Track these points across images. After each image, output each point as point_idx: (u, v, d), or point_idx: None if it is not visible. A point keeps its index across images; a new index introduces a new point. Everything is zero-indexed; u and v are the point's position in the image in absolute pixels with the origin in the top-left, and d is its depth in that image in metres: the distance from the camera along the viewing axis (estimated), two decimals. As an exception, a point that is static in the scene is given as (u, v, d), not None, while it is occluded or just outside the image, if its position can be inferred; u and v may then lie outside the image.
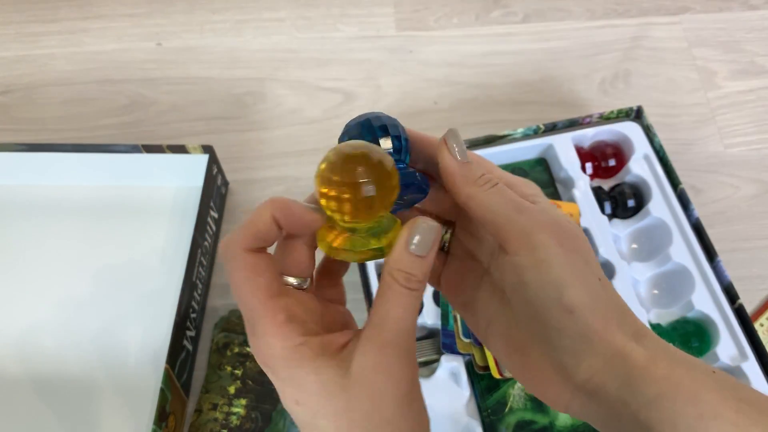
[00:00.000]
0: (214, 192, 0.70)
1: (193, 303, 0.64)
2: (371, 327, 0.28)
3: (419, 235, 0.28)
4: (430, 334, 0.64)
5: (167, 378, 0.57)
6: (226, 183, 0.75)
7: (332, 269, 0.35)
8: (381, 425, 0.27)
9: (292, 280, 0.31)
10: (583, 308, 0.27)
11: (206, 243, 0.67)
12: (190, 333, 0.63)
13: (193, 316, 0.64)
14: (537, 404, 0.60)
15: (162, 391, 0.56)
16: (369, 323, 0.28)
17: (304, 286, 0.31)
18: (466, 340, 0.59)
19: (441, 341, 0.61)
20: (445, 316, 0.61)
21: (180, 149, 0.68)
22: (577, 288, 0.27)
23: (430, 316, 0.63)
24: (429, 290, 0.64)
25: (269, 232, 0.29)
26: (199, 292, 0.66)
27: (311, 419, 0.28)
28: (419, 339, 0.63)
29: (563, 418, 0.59)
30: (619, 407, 0.27)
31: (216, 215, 0.70)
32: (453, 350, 0.60)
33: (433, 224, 0.28)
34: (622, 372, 0.27)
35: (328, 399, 0.28)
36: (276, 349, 0.28)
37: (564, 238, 0.28)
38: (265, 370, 0.29)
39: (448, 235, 0.34)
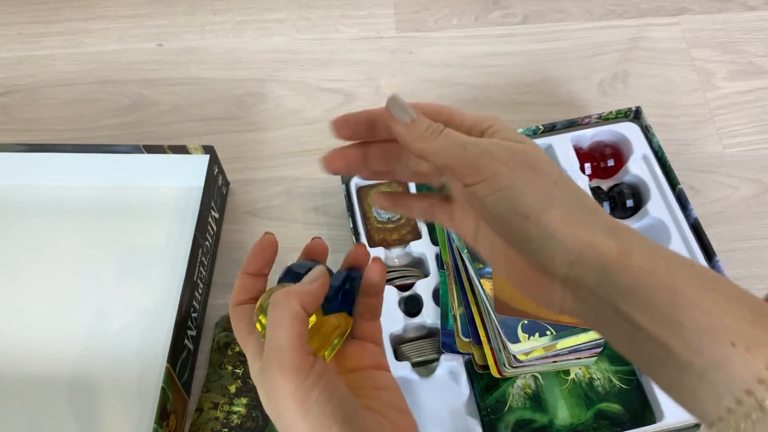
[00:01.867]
0: (215, 192, 0.70)
1: (194, 302, 0.64)
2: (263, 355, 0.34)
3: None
4: (429, 333, 0.64)
5: (168, 377, 0.57)
6: (226, 183, 0.75)
7: (370, 307, 0.40)
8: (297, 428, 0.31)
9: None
10: (538, 211, 0.30)
11: (207, 243, 0.67)
12: (191, 332, 0.64)
13: (194, 315, 0.64)
14: (536, 403, 0.60)
15: (163, 390, 0.57)
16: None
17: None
18: (466, 340, 0.59)
19: (441, 341, 0.61)
20: (445, 316, 0.62)
21: (181, 150, 0.69)
22: (529, 195, 0.30)
23: (429, 316, 0.63)
24: (429, 289, 0.64)
25: (245, 284, 0.40)
26: (200, 291, 0.66)
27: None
28: (420, 338, 0.64)
29: (562, 417, 0.59)
30: (601, 299, 0.29)
31: (217, 215, 0.71)
32: (453, 350, 0.60)
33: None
34: (596, 263, 0.29)
35: (275, 415, 0.33)
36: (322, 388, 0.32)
37: (510, 158, 0.31)
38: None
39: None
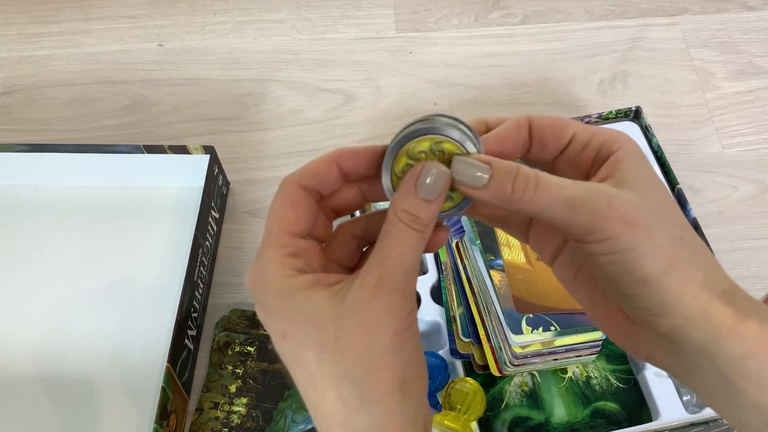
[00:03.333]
0: (215, 192, 0.70)
1: (195, 302, 0.64)
2: (371, 263, 0.28)
3: (429, 179, 0.28)
4: (429, 331, 0.64)
5: (168, 377, 0.57)
6: (227, 183, 0.75)
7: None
8: (371, 357, 0.26)
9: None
10: (656, 277, 0.27)
11: (207, 243, 0.68)
12: (192, 332, 0.64)
13: (195, 315, 0.65)
14: (533, 401, 0.60)
15: (163, 389, 0.57)
16: (369, 260, 0.28)
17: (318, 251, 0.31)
18: (466, 340, 0.59)
19: (449, 348, 0.61)
20: (449, 322, 0.62)
21: (181, 150, 0.69)
22: (650, 259, 0.27)
23: (428, 313, 0.63)
24: (427, 286, 0.64)
25: (328, 173, 0.29)
26: (201, 291, 0.66)
27: (296, 353, 0.28)
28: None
29: (559, 415, 0.59)
30: (703, 361, 0.27)
31: (217, 215, 0.71)
32: (461, 355, 0.60)
33: (444, 170, 0.28)
34: (707, 329, 0.27)
35: (316, 329, 0.27)
36: (270, 276, 0.28)
37: (629, 213, 0.27)
38: (255, 303, 0.29)
39: None
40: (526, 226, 0.33)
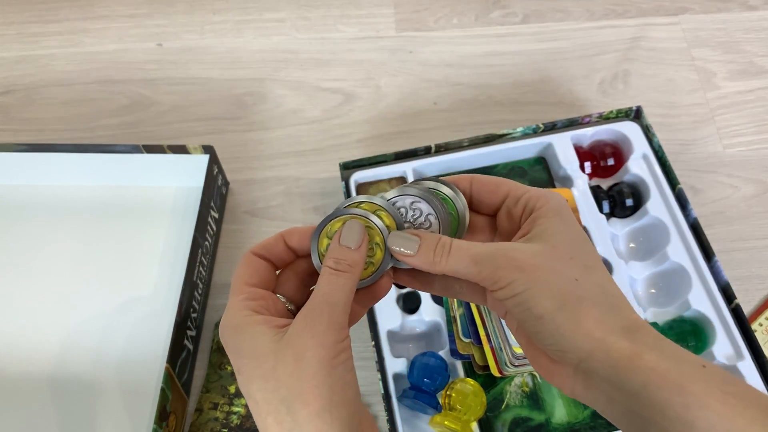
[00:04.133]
0: (215, 192, 0.70)
1: (194, 303, 0.64)
2: (305, 305, 0.33)
3: (348, 231, 0.35)
4: (428, 332, 0.64)
5: (168, 377, 0.57)
6: (226, 183, 0.75)
7: (361, 303, 0.38)
8: (300, 382, 0.30)
9: (281, 298, 0.36)
10: (551, 312, 0.31)
11: (207, 243, 0.67)
12: (191, 332, 0.64)
13: (194, 315, 0.64)
14: (533, 401, 0.60)
15: (163, 390, 0.57)
16: (306, 303, 0.33)
17: (290, 307, 0.36)
18: (466, 340, 0.59)
19: (449, 348, 0.61)
20: (449, 322, 0.62)
21: (180, 149, 0.69)
22: (543, 298, 0.31)
23: (428, 313, 0.63)
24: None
25: (275, 246, 0.36)
26: (200, 291, 0.66)
27: (246, 386, 0.32)
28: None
29: (559, 415, 0.59)
30: (613, 392, 0.30)
31: (216, 215, 0.71)
32: (461, 356, 0.60)
33: (359, 223, 0.35)
34: (607, 363, 0.30)
35: (259, 362, 0.31)
36: (229, 317, 0.33)
37: (526, 261, 0.32)
38: (224, 346, 0.33)
39: None
40: (482, 293, 0.37)
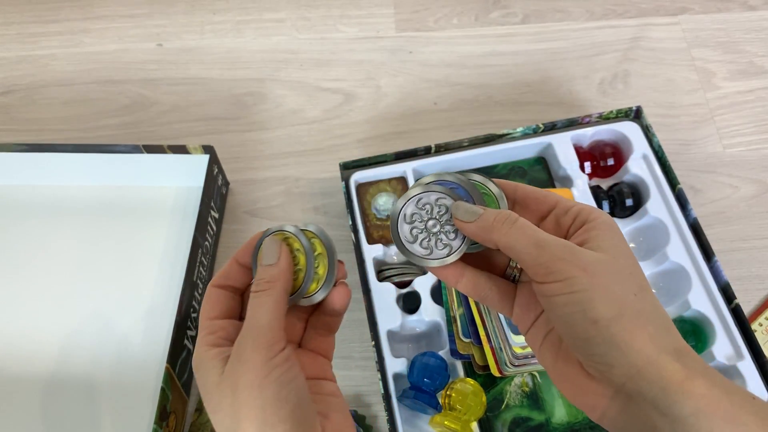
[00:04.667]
0: (215, 192, 0.70)
1: (194, 303, 0.64)
2: (240, 333, 0.34)
3: (264, 252, 0.36)
4: (428, 330, 0.64)
5: (168, 377, 0.57)
6: (226, 183, 0.75)
7: (326, 324, 0.40)
8: (237, 411, 0.32)
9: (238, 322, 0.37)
10: (608, 319, 0.29)
11: (207, 243, 0.67)
12: (191, 332, 0.64)
13: (194, 315, 0.64)
14: (533, 401, 0.60)
15: (163, 390, 0.57)
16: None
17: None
18: (466, 340, 0.59)
19: (449, 348, 0.61)
20: (449, 322, 0.62)
21: (181, 149, 0.69)
22: (602, 302, 0.30)
23: (427, 313, 0.63)
24: (427, 286, 0.64)
25: (230, 270, 0.38)
26: (200, 291, 0.66)
27: (212, 418, 0.33)
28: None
29: (559, 415, 0.59)
30: (655, 417, 0.29)
31: (217, 215, 0.71)
32: (462, 356, 0.60)
33: (271, 240, 0.37)
34: (658, 382, 0.29)
35: (209, 397, 0.33)
36: (194, 356, 0.35)
37: (589, 265, 0.31)
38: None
39: (516, 272, 0.37)
40: (511, 300, 0.37)
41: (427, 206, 0.36)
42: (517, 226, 0.33)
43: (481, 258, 0.38)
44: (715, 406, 0.28)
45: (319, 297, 0.38)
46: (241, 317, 0.38)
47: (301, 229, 0.38)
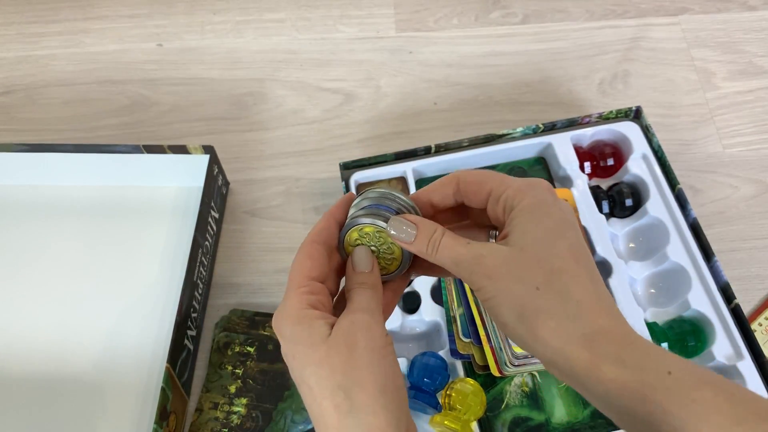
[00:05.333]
0: (215, 192, 0.70)
1: (194, 302, 0.64)
2: (344, 312, 0.35)
3: (356, 260, 0.37)
4: (428, 331, 0.64)
5: (168, 377, 0.57)
6: (226, 183, 0.75)
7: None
8: (356, 370, 0.32)
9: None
10: (511, 323, 0.33)
11: (207, 243, 0.67)
12: (191, 332, 0.64)
13: (194, 315, 0.64)
14: (533, 401, 0.60)
15: (163, 390, 0.57)
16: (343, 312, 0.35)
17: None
18: (466, 340, 0.59)
19: (449, 348, 0.61)
20: (449, 322, 0.62)
21: (181, 149, 0.69)
22: (505, 308, 0.33)
23: (428, 313, 0.63)
24: (427, 286, 0.64)
25: (329, 227, 0.38)
26: (200, 291, 0.66)
27: (300, 371, 0.34)
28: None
29: (559, 415, 0.59)
30: (583, 393, 0.32)
31: (217, 215, 0.71)
32: (461, 356, 0.60)
33: (363, 248, 0.38)
34: (568, 371, 0.31)
35: (313, 349, 0.33)
36: (288, 310, 0.35)
37: (494, 269, 0.33)
38: (276, 334, 0.35)
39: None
40: None
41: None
42: (441, 247, 0.35)
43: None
44: (623, 388, 0.30)
45: (397, 273, 0.40)
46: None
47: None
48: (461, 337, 0.60)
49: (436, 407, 0.58)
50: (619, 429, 0.57)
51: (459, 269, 0.34)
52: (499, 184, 0.35)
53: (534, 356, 0.33)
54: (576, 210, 0.67)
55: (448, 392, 0.58)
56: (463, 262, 0.34)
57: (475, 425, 0.58)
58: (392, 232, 0.36)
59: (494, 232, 0.38)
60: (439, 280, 0.64)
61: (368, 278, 0.37)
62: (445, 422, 0.55)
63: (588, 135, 0.72)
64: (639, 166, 0.70)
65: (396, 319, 0.63)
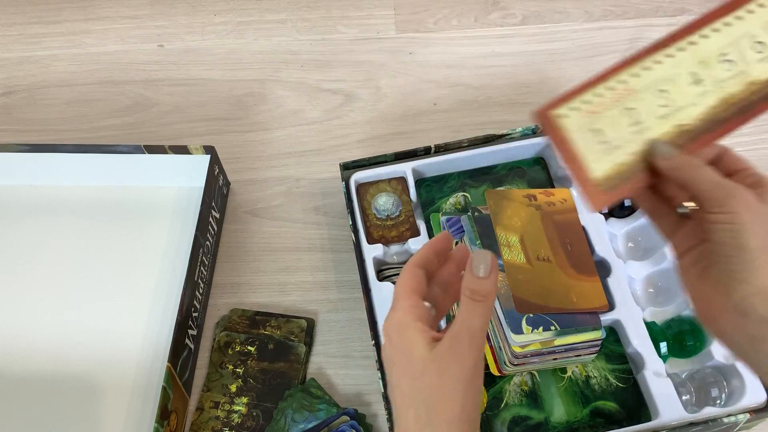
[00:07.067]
0: (216, 192, 0.70)
1: (195, 302, 0.65)
2: (450, 326, 0.38)
3: (478, 263, 0.39)
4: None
5: (169, 376, 0.58)
6: (227, 183, 0.75)
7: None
8: (442, 392, 0.37)
9: (427, 304, 0.41)
10: (752, 249, 0.36)
11: (208, 243, 0.68)
12: (192, 332, 0.64)
13: (195, 315, 0.65)
14: (532, 400, 0.60)
15: (164, 389, 0.57)
16: (451, 325, 0.39)
17: (432, 312, 0.42)
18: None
19: None
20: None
21: (182, 150, 0.69)
22: (752, 235, 0.36)
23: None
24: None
25: (428, 256, 0.43)
26: (201, 291, 0.66)
27: (397, 378, 0.38)
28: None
29: (558, 414, 0.59)
30: (765, 328, 0.36)
31: (217, 215, 0.71)
32: None
33: (485, 251, 0.39)
34: None
35: (412, 363, 0.38)
36: (398, 318, 0.39)
37: (754, 205, 0.37)
38: (384, 338, 0.40)
39: (690, 206, 0.42)
40: (674, 228, 0.43)
41: None
42: (702, 168, 0.39)
43: (657, 196, 0.44)
44: None
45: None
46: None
47: None
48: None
49: None
50: (620, 428, 0.57)
51: (718, 188, 0.38)
52: (756, 168, 0.41)
53: (743, 283, 0.36)
54: (575, 210, 0.67)
55: None
56: (727, 186, 0.38)
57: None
58: (657, 150, 0.40)
59: (689, 205, 0.41)
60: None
61: (483, 289, 0.39)
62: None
63: (587, 135, 0.72)
64: (638, 166, 0.70)
65: (396, 319, 0.63)
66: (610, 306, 0.61)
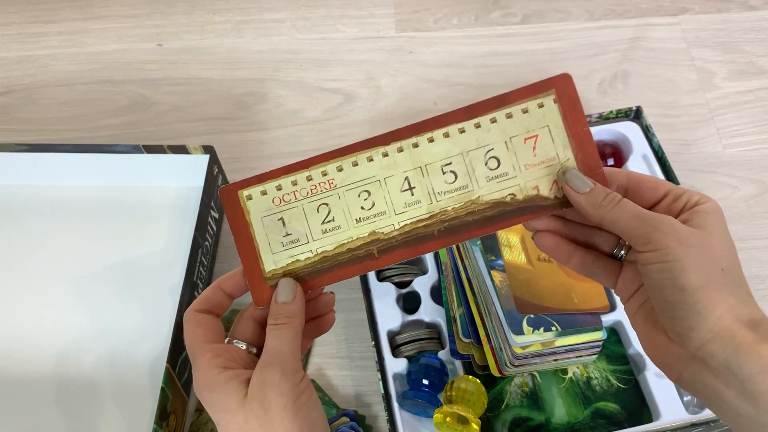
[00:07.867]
0: (215, 192, 0.70)
1: (194, 302, 0.64)
2: (259, 361, 0.37)
3: (279, 291, 0.39)
4: (427, 328, 0.64)
5: (168, 377, 0.57)
6: (226, 183, 0.75)
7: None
8: (274, 424, 0.35)
9: (240, 344, 0.39)
10: (693, 287, 0.33)
11: (207, 243, 0.67)
12: (191, 332, 0.64)
13: (194, 315, 0.64)
14: (533, 401, 0.60)
15: (163, 390, 0.57)
16: (259, 360, 0.37)
17: (252, 351, 0.39)
18: (466, 340, 0.59)
19: (449, 348, 0.61)
20: (449, 322, 0.62)
21: (181, 149, 0.69)
22: (691, 272, 0.33)
23: (427, 313, 0.63)
24: (427, 287, 0.64)
25: (214, 297, 0.40)
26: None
27: None
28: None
29: (559, 415, 0.59)
30: (727, 376, 0.32)
31: (216, 215, 0.71)
32: (461, 356, 0.60)
33: (288, 281, 0.39)
34: (730, 346, 0.32)
35: (234, 415, 0.35)
36: (201, 378, 0.37)
37: (684, 238, 0.34)
38: (200, 400, 0.37)
39: (623, 251, 0.40)
40: (615, 275, 0.40)
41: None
42: (621, 204, 0.36)
43: (588, 240, 0.41)
44: None
45: None
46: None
47: None
48: (461, 337, 0.60)
49: (437, 405, 0.58)
50: (622, 429, 0.57)
51: (640, 224, 0.35)
52: (677, 187, 0.38)
53: (694, 330, 0.33)
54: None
55: (449, 392, 0.58)
56: (650, 219, 0.35)
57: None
58: (568, 182, 0.37)
59: (623, 244, 0.39)
60: (439, 281, 0.64)
61: (286, 311, 0.38)
62: (455, 409, 0.55)
63: (588, 135, 0.72)
64: (639, 166, 0.70)
65: (396, 319, 0.63)
66: (612, 306, 0.61)
